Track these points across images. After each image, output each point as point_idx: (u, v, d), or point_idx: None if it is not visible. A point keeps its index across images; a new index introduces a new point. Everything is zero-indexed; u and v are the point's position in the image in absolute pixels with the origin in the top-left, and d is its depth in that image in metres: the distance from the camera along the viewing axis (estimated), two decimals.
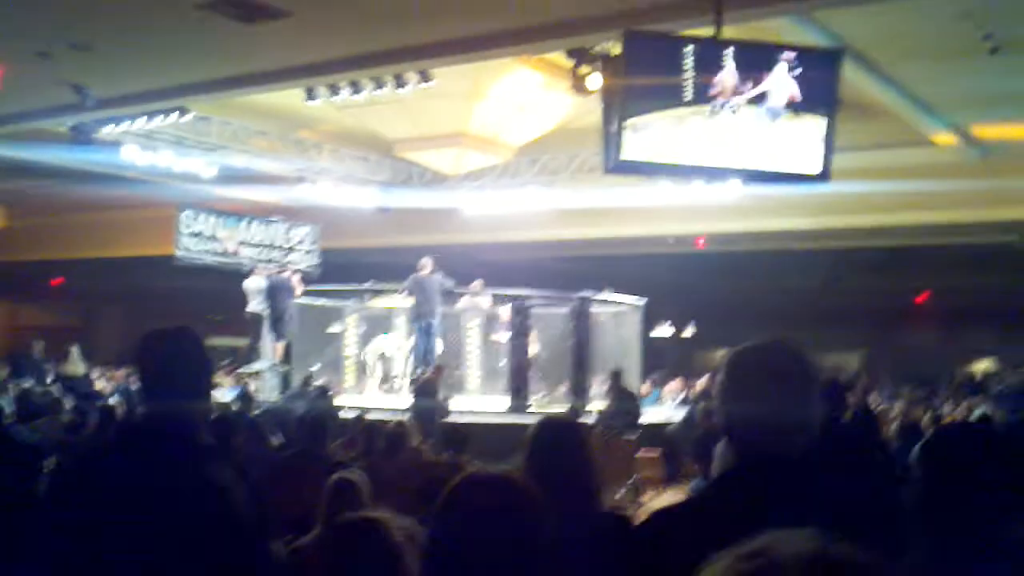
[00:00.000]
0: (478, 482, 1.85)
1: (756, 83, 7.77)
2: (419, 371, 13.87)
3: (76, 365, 16.89)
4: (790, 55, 7.79)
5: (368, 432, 8.20)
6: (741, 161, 7.98)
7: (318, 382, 13.54)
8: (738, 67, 7.72)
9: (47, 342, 18.66)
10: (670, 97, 7.79)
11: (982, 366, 24.15)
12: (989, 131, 13.75)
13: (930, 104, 12.47)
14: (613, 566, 2.07)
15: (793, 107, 7.82)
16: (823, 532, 0.96)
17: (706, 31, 7.99)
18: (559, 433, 3.08)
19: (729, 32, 7.93)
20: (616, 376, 13.44)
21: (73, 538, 2.32)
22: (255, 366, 15.59)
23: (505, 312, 15.30)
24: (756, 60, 7.78)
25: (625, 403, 13.02)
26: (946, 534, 1.99)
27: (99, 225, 23.33)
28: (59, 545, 2.36)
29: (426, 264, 14.46)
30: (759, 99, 7.78)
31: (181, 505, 1.81)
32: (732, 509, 1.87)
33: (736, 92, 7.76)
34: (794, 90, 7.79)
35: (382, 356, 16.07)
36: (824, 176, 7.96)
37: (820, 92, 7.83)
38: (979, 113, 13.02)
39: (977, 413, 12.39)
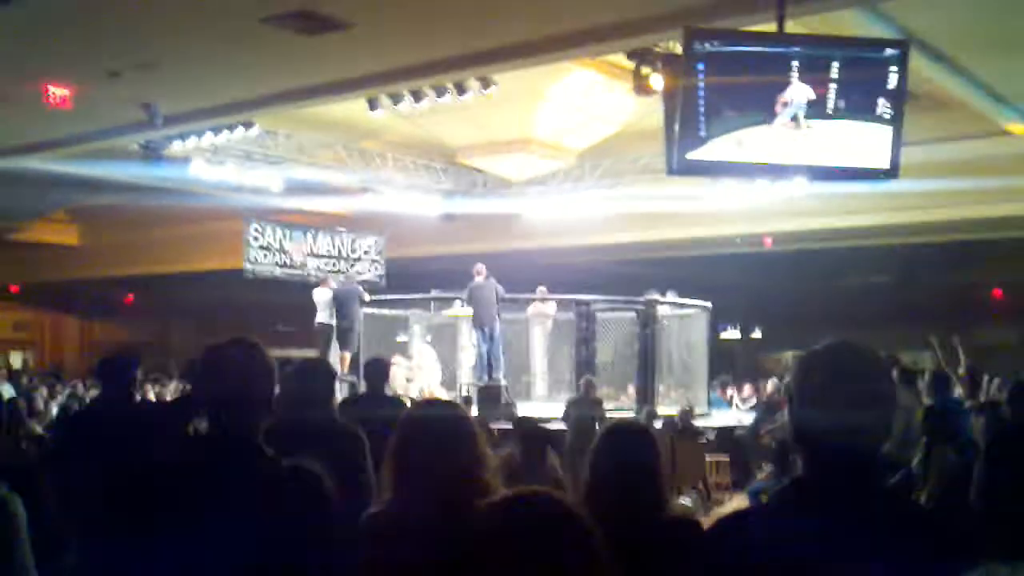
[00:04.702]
0: (517, 501, 1.65)
1: (822, 82, 7.60)
2: (485, 379, 13.86)
3: None
4: (856, 50, 7.61)
5: None
6: (807, 158, 7.80)
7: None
8: (805, 68, 7.55)
9: None
10: (736, 106, 7.64)
11: None
12: None
13: (1004, 96, 12.13)
14: (682, 573, 2.03)
15: (860, 104, 7.63)
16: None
17: (768, 27, 7.84)
18: (627, 439, 3.05)
19: (792, 28, 7.78)
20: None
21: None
22: None
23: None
24: (822, 59, 7.61)
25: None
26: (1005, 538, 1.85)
27: (170, 240, 23.76)
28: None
29: (480, 271, 14.43)
30: (825, 97, 7.61)
31: (249, 512, 1.83)
32: (800, 515, 1.81)
33: (802, 94, 7.60)
34: (860, 86, 7.60)
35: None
36: (893, 172, 7.74)
37: (887, 86, 7.63)
38: None
39: None
